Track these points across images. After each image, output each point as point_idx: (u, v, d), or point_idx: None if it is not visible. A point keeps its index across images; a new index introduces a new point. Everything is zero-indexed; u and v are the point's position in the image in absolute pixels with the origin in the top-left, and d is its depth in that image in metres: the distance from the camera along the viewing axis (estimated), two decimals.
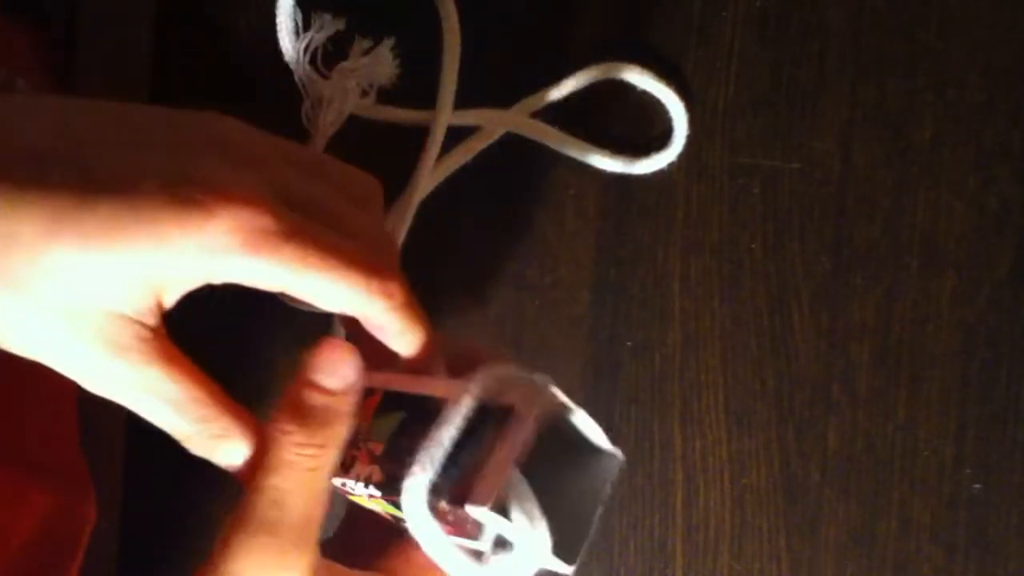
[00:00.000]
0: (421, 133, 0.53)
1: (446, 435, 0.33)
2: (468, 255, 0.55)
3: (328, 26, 0.53)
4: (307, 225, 0.32)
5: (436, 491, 0.32)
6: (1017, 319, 0.53)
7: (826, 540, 0.54)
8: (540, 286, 0.54)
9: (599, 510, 0.35)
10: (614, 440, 0.55)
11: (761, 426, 0.54)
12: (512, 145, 0.54)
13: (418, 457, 0.32)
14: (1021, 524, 0.53)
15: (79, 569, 0.48)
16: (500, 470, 0.32)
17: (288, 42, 0.53)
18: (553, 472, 0.34)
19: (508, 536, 0.33)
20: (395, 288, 0.34)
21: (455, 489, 0.33)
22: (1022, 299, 0.53)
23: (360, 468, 0.35)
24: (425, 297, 0.55)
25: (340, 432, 0.34)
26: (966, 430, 0.54)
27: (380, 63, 0.53)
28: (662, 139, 0.54)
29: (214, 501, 0.54)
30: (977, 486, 0.54)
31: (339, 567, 0.34)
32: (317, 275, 0.32)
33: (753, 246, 0.54)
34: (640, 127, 0.54)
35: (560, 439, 0.35)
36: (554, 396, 0.35)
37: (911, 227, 0.54)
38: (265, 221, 0.31)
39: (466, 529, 0.33)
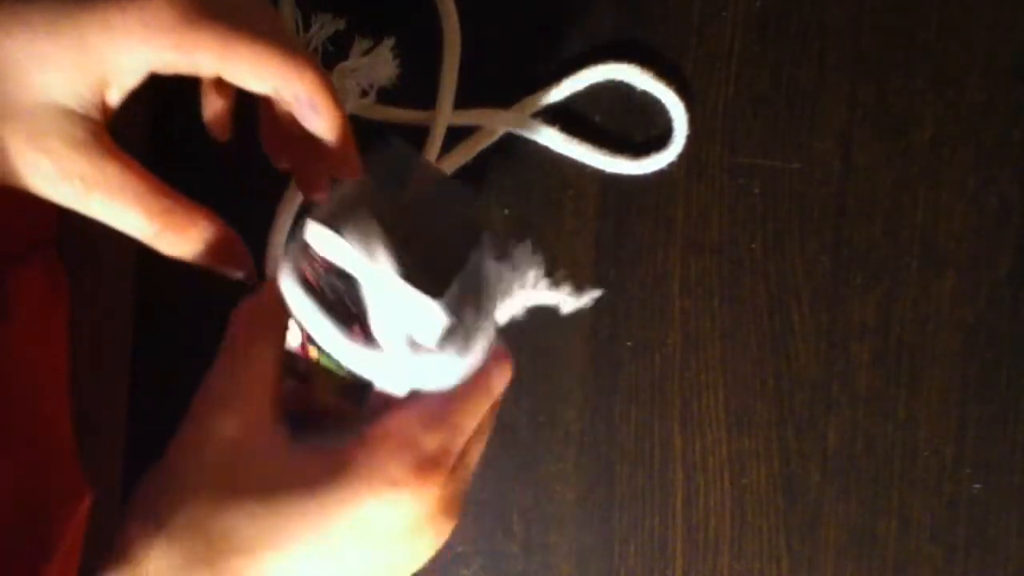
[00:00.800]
0: (421, 133, 0.53)
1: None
2: None
3: (328, 26, 0.53)
4: (237, 14, 0.34)
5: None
6: (1017, 319, 0.53)
7: (826, 540, 0.54)
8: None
9: (479, 241, 0.35)
10: (613, 439, 0.55)
11: (761, 426, 0.54)
12: (512, 145, 0.54)
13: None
14: (1021, 524, 0.53)
15: (78, 561, 0.48)
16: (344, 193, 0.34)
17: None
18: (412, 208, 0.35)
19: (343, 262, 0.33)
20: (315, 63, 0.35)
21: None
22: (1022, 299, 0.53)
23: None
24: None
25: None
26: (966, 430, 0.54)
27: (380, 63, 0.53)
28: (662, 139, 0.54)
29: None
30: (977, 486, 0.54)
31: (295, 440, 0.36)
32: (251, 50, 0.34)
33: (753, 246, 0.54)
34: (640, 127, 0.54)
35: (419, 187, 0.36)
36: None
37: (911, 227, 0.54)
38: (198, 4, 0.33)
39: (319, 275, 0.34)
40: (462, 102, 0.53)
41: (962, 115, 0.54)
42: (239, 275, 0.37)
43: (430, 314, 0.32)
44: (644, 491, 0.54)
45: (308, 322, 0.34)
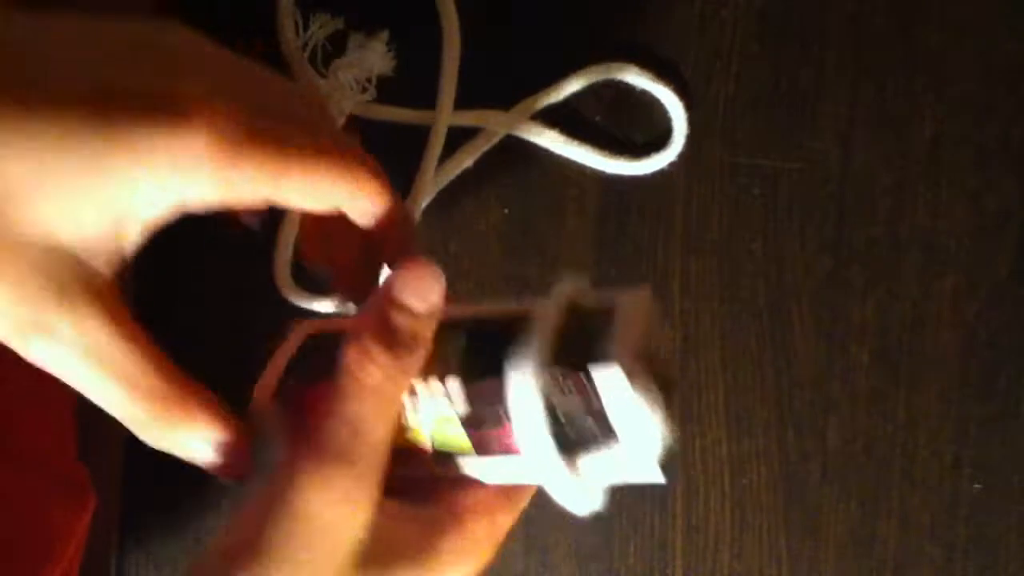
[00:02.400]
0: (421, 133, 0.53)
1: (542, 340, 0.31)
2: (468, 255, 0.55)
3: (327, 25, 0.53)
4: (282, 127, 0.29)
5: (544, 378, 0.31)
6: (1017, 319, 0.53)
7: (826, 540, 0.54)
8: (540, 286, 0.54)
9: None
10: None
11: (761, 426, 0.54)
12: (512, 146, 0.54)
13: (515, 358, 0.30)
14: (1021, 524, 0.53)
15: (79, 565, 0.48)
16: (625, 345, 0.30)
17: (290, 41, 0.53)
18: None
19: (628, 420, 0.30)
20: (372, 167, 0.31)
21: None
22: (1022, 299, 0.53)
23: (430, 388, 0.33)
24: None
25: (421, 358, 0.32)
26: (966, 430, 0.54)
27: (375, 55, 0.53)
28: (662, 139, 0.54)
29: (212, 512, 0.54)
30: (977, 486, 0.54)
31: (395, 502, 0.32)
32: (304, 171, 0.29)
33: (753, 246, 0.54)
34: (640, 127, 0.54)
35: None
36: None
37: (911, 227, 0.54)
38: (242, 127, 0.27)
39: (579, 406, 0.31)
40: (462, 102, 0.53)
41: (962, 115, 0.54)
42: (228, 483, 0.32)
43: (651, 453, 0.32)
44: (644, 491, 0.54)
45: (534, 450, 0.31)
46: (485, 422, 0.32)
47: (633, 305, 0.32)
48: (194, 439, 0.30)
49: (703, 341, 0.54)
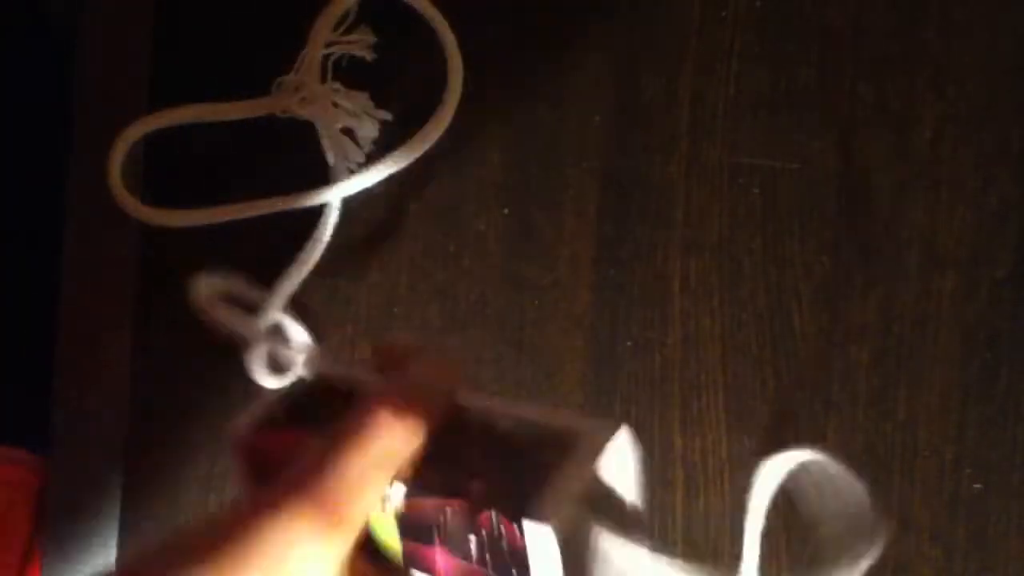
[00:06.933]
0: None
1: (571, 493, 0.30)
2: (469, 255, 0.55)
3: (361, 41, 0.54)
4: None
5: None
6: (1017, 319, 0.53)
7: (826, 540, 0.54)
8: (540, 286, 0.54)
9: None
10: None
11: (761, 426, 0.54)
12: (512, 145, 0.54)
13: (540, 508, 0.29)
14: (1021, 524, 0.53)
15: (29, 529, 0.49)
16: (569, 491, 0.30)
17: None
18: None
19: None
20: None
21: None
22: (1022, 299, 0.53)
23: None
24: (426, 298, 0.55)
25: (426, 431, 0.32)
26: (966, 430, 0.53)
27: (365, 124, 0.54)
28: (663, 139, 0.54)
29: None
30: (977, 486, 0.53)
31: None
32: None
33: (753, 246, 0.54)
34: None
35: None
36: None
37: (911, 227, 0.54)
38: None
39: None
40: (463, 101, 0.53)
41: (962, 115, 0.53)
42: None
43: None
44: (644, 491, 0.54)
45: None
46: (420, 536, 0.32)
47: (596, 439, 0.31)
48: None
49: (703, 341, 0.54)
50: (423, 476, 0.32)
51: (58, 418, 0.55)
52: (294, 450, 0.31)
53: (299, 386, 0.36)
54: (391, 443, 0.31)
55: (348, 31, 0.54)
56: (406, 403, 0.31)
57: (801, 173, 0.54)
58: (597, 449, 0.31)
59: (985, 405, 0.54)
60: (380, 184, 0.54)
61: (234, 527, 0.29)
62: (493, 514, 0.30)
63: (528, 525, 0.29)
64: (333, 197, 0.54)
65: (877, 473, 0.54)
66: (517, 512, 0.29)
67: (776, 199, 0.54)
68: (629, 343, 0.54)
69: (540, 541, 0.29)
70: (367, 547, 0.32)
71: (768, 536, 0.54)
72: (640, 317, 0.54)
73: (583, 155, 0.54)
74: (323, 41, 0.53)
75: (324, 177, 0.55)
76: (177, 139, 0.55)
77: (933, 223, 0.54)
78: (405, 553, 0.32)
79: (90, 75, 0.56)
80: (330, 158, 0.54)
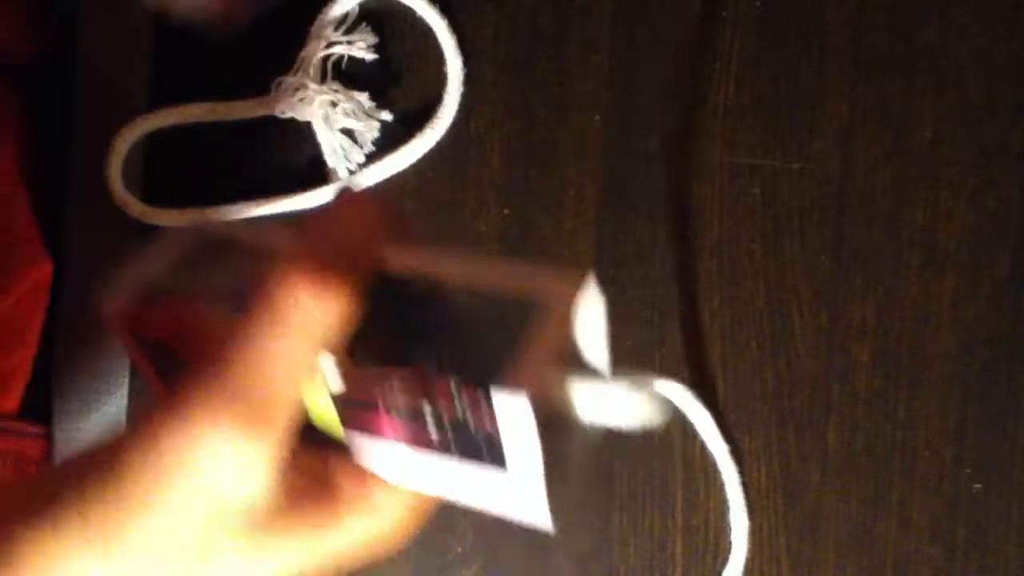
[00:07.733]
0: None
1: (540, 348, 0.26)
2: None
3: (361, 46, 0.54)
4: None
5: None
6: (1017, 319, 0.53)
7: (826, 540, 0.54)
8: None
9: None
10: (613, 438, 0.55)
11: (761, 426, 0.54)
12: (512, 145, 0.54)
13: (504, 372, 0.25)
14: (1021, 524, 0.53)
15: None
16: (540, 356, 0.26)
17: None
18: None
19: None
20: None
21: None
22: (1022, 299, 0.53)
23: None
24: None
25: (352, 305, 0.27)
26: (966, 430, 0.53)
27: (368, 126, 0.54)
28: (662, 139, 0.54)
29: None
30: (977, 486, 0.53)
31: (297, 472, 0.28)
32: None
33: (753, 246, 0.54)
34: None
35: None
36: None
37: (911, 227, 0.54)
38: None
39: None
40: (463, 102, 0.53)
41: (962, 115, 0.53)
42: None
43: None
44: (644, 491, 0.54)
45: (522, 479, 0.27)
46: (364, 414, 0.28)
47: (563, 295, 0.27)
48: None
49: (703, 341, 0.54)
50: (359, 347, 0.27)
51: (58, 417, 0.55)
52: (192, 326, 0.27)
53: (177, 239, 0.30)
54: (313, 315, 0.25)
55: (348, 31, 0.54)
56: (326, 265, 0.26)
57: (801, 173, 0.54)
58: (568, 304, 0.27)
59: (985, 405, 0.53)
60: (380, 184, 0.54)
61: (141, 442, 0.25)
62: (452, 383, 0.26)
63: (498, 395, 0.25)
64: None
65: (877, 473, 0.54)
66: (483, 381, 0.25)
67: (776, 199, 0.54)
68: (629, 343, 0.54)
69: (513, 413, 0.25)
70: (306, 436, 0.28)
71: (768, 536, 0.54)
72: (640, 317, 0.54)
73: (583, 155, 0.54)
74: (323, 42, 0.53)
75: (324, 177, 0.55)
76: (177, 139, 0.55)
77: (933, 223, 0.54)
78: (348, 433, 0.29)
79: (90, 75, 0.56)
80: (330, 158, 0.54)
